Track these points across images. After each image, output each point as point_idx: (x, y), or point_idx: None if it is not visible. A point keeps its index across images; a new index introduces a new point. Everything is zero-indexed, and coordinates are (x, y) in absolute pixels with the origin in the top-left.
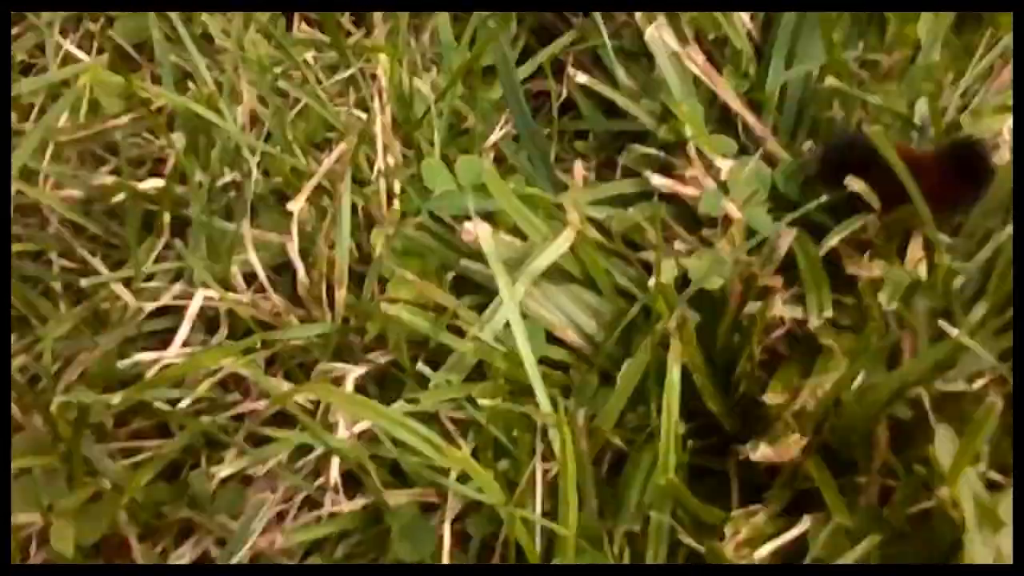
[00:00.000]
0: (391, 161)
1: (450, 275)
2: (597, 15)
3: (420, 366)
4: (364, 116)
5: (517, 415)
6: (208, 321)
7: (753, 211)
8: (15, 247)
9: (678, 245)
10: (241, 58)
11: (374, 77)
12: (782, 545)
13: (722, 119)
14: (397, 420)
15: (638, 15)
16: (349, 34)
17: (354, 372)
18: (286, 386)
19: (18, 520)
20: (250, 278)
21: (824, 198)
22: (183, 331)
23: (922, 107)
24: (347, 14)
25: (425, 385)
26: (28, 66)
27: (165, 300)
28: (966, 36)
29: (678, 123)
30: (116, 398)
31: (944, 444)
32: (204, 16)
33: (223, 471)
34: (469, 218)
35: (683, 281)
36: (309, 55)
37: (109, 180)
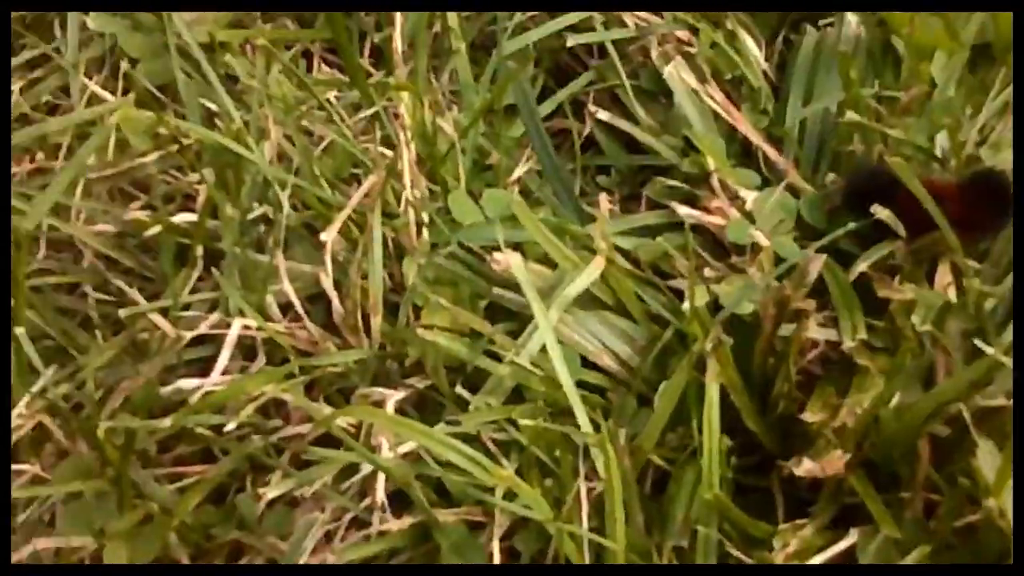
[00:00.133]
0: (418, 194)
1: (483, 303)
2: (614, 55)
3: (459, 390)
4: (389, 152)
5: (558, 435)
6: (246, 350)
7: (780, 239)
8: (50, 280)
9: (708, 272)
10: (267, 96)
11: (397, 116)
12: (832, 557)
13: (743, 154)
14: (441, 440)
15: (654, 55)
16: (369, 75)
17: (394, 396)
18: (328, 410)
19: (71, 543)
20: (285, 308)
21: (851, 225)
22: (223, 358)
23: (942, 140)
24: (366, 55)
25: (464, 408)
26: (54, 106)
27: (203, 328)
28: (980, 74)
29: (701, 156)
30: (164, 423)
31: (987, 457)
32: (228, 57)
33: (270, 492)
34: (498, 248)
35: (714, 308)
36: (331, 94)
37: (142, 215)
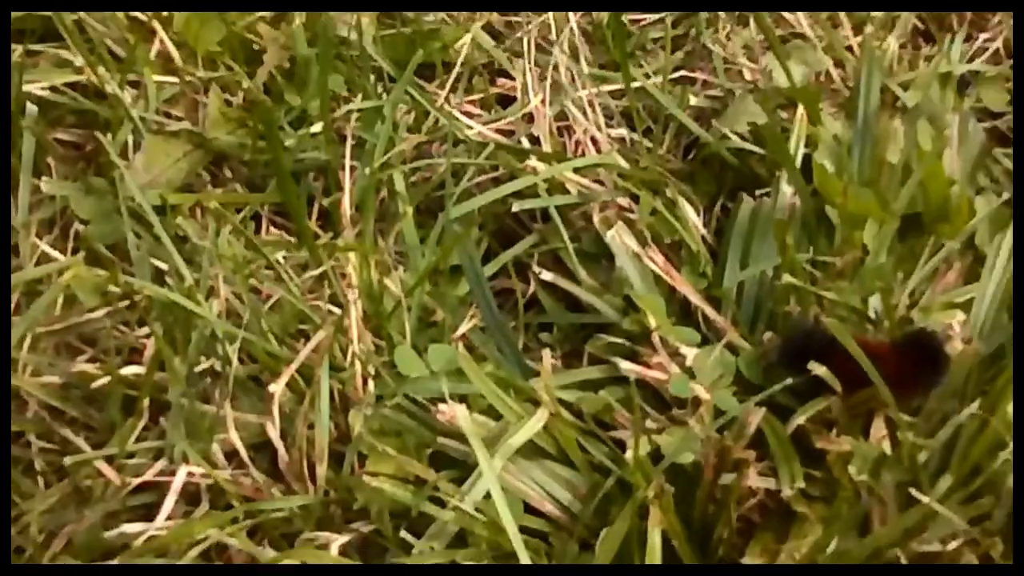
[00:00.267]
0: (365, 349)
1: (428, 452)
2: (557, 219)
3: (403, 534)
4: (337, 310)
5: None
6: (190, 496)
7: (720, 394)
8: None
9: (649, 424)
10: (216, 256)
11: (344, 275)
12: None
13: (682, 313)
14: None
15: (596, 219)
16: (317, 236)
17: (338, 540)
18: (271, 554)
19: None
20: (230, 456)
21: (789, 380)
22: (168, 503)
23: (875, 303)
24: (314, 217)
25: (408, 552)
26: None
27: (149, 475)
28: (910, 241)
29: (641, 315)
30: (109, 566)
31: None
32: (179, 219)
33: None
34: (443, 400)
35: (655, 459)
36: (280, 255)
37: (89, 367)
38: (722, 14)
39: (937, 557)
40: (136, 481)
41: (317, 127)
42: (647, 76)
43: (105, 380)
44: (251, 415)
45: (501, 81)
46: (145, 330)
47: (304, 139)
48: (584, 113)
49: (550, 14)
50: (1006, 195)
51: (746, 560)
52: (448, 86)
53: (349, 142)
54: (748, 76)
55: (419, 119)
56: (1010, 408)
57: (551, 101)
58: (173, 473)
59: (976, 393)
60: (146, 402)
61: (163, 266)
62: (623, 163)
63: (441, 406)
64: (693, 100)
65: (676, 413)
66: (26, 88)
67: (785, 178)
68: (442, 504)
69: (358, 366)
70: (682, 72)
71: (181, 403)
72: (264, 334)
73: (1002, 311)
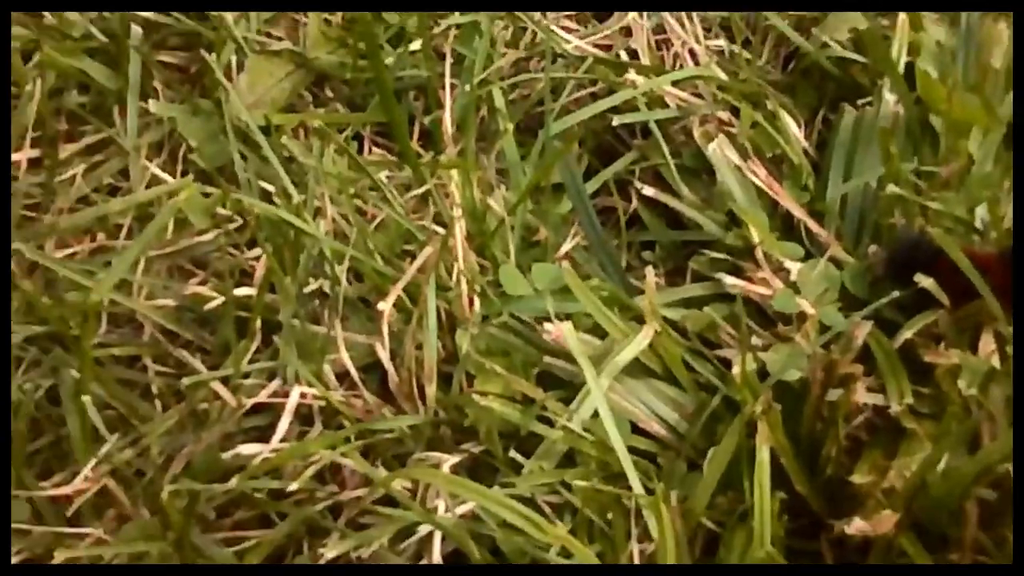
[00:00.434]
0: (469, 267)
1: (534, 372)
2: (658, 134)
3: (512, 454)
4: (441, 229)
5: (611, 497)
6: (303, 418)
7: (825, 309)
8: (112, 351)
9: (754, 341)
10: (322, 174)
11: (447, 194)
12: None
13: (785, 228)
14: (498, 500)
15: (697, 134)
16: (419, 155)
17: (449, 460)
18: (384, 473)
19: None
20: (341, 377)
21: (895, 294)
22: (283, 424)
23: (981, 213)
24: (415, 138)
25: (518, 472)
26: (114, 188)
27: (263, 396)
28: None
29: (744, 230)
30: (226, 486)
31: None
32: (284, 139)
33: (328, 553)
34: (548, 320)
35: (760, 376)
36: (383, 175)
37: (201, 289)
38: None
39: None
40: (251, 402)
41: (416, 44)
42: None
43: (219, 302)
44: (360, 335)
45: None
46: (255, 252)
47: (403, 57)
48: (682, 25)
49: None
50: None
51: (855, 478)
52: None
53: (448, 59)
54: None
55: (516, 35)
56: None
57: (648, 13)
58: (287, 394)
59: None
60: (258, 323)
61: (270, 188)
62: (722, 75)
63: (547, 325)
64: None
65: (781, 329)
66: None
67: (888, 86)
68: (550, 423)
69: (464, 285)
70: None
71: (292, 324)
72: (371, 253)
73: None
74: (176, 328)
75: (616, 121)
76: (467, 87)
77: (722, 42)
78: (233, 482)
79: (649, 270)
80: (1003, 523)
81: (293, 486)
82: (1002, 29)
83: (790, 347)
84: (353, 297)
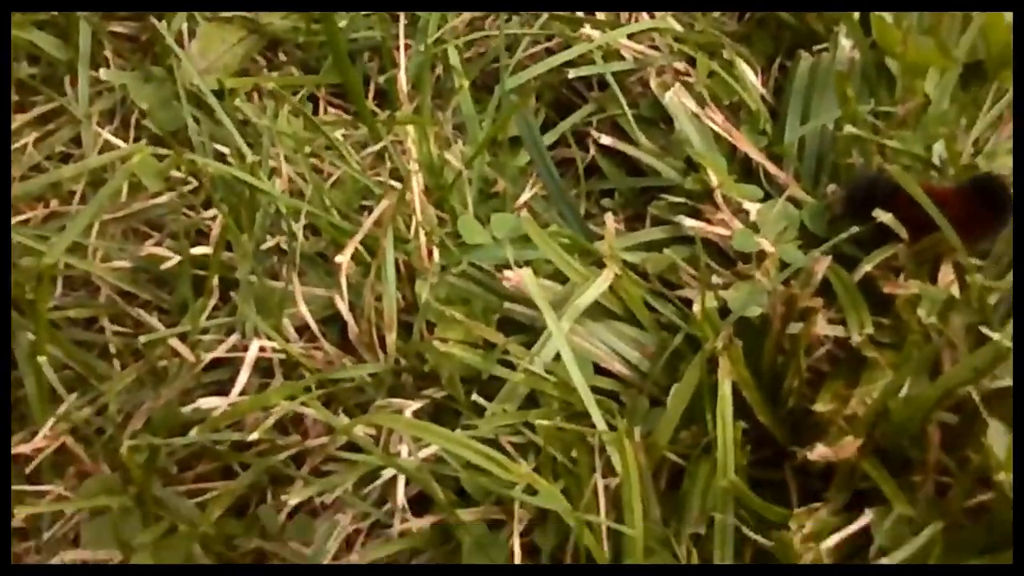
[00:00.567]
0: (428, 220)
1: (495, 318)
2: (614, 86)
3: (475, 398)
4: (398, 184)
5: (575, 435)
6: (263, 372)
7: (785, 247)
8: (69, 314)
9: (715, 280)
10: (277, 135)
11: (404, 151)
12: (847, 537)
13: (743, 172)
14: (461, 441)
15: (653, 84)
16: (375, 114)
17: (411, 406)
18: (346, 421)
19: (97, 556)
20: (300, 331)
21: (854, 229)
22: (243, 376)
23: (939, 150)
24: (371, 97)
25: (481, 416)
26: (67, 156)
27: (222, 351)
28: (973, 90)
29: (703, 174)
30: (185, 439)
31: (997, 435)
32: (237, 101)
33: (292, 500)
34: (508, 267)
35: (722, 314)
36: (339, 133)
37: (157, 250)
38: None
39: (1008, 393)
40: (210, 356)
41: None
42: None
43: (175, 261)
44: (319, 289)
45: None
46: (211, 212)
47: (356, 19)
48: None
49: None
50: None
51: (818, 407)
52: None
53: (402, 20)
54: None
55: None
56: None
57: None
58: (246, 348)
59: None
60: (215, 280)
61: (224, 150)
62: (677, 27)
63: (506, 272)
64: None
65: (741, 268)
66: None
67: (843, 32)
68: (512, 367)
69: (422, 236)
70: None
71: (250, 280)
72: (328, 209)
73: None
74: (133, 289)
75: (572, 74)
76: (422, 47)
77: None
78: (192, 434)
79: (608, 216)
80: (964, 444)
81: (253, 436)
82: None
83: (750, 284)
84: (311, 253)
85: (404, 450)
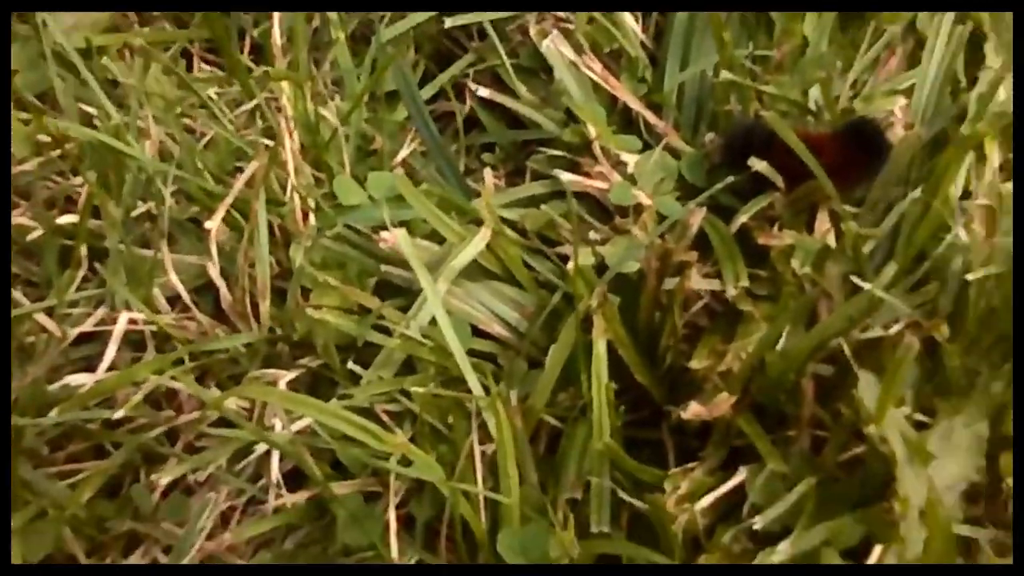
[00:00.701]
0: (303, 181)
1: (371, 282)
2: (493, 35)
3: (350, 366)
4: (272, 143)
5: (451, 402)
6: (134, 345)
7: (662, 199)
8: None
9: (592, 235)
10: (145, 95)
11: (279, 108)
12: (721, 496)
13: (623, 122)
14: (334, 412)
15: (533, 32)
16: (250, 70)
17: (285, 376)
18: (218, 394)
19: None
20: (172, 301)
21: (730, 179)
22: (110, 351)
23: (815, 94)
24: (246, 52)
25: (356, 383)
26: None
27: (89, 325)
28: (851, 32)
29: (582, 126)
30: (53, 418)
31: (868, 387)
32: (105, 60)
33: (163, 479)
34: (385, 228)
35: (600, 270)
36: (212, 91)
37: (23, 220)
38: None
39: (879, 343)
40: (76, 331)
41: None
42: None
43: (40, 232)
44: (191, 256)
45: None
46: (80, 179)
47: None
48: None
49: None
50: None
51: (693, 363)
52: None
53: None
54: None
55: None
56: (952, 191)
57: None
58: (115, 321)
59: (919, 179)
60: (83, 251)
61: (93, 111)
62: None
63: (383, 233)
64: None
65: (619, 222)
66: None
67: None
68: (388, 333)
69: (296, 199)
70: None
71: (119, 249)
72: (199, 172)
73: (944, 94)
74: None
75: (448, 23)
76: None
77: None
78: (54, 413)
79: (487, 172)
80: (838, 397)
81: (120, 413)
82: None
83: (628, 239)
84: (182, 218)
85: (278, 423)
